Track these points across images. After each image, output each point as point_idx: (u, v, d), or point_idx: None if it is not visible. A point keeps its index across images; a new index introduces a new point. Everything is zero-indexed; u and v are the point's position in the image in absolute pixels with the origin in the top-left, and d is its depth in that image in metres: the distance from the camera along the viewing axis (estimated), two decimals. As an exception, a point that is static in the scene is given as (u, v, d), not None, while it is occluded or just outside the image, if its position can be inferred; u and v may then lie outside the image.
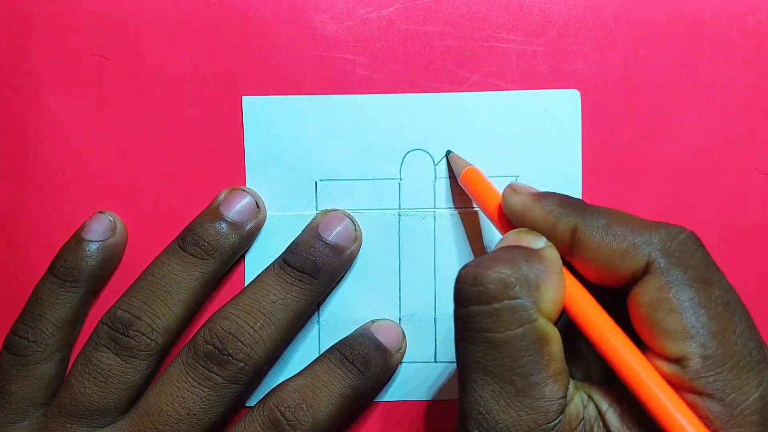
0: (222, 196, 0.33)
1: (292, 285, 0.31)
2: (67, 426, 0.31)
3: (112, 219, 0.33)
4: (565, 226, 0.25)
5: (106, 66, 0.34)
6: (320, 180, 0.34)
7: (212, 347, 0.30)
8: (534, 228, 0.26)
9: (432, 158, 0.34)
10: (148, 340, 0.31)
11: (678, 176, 0.34)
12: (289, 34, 0.34)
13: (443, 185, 0.34)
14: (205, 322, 0.31)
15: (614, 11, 0.34)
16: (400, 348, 0.33)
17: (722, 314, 0.23)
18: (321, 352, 0.33)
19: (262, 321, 0.30)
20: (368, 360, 0.31)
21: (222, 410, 0.30)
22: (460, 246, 0.34)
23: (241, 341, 0.30)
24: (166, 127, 0.34)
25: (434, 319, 0.34)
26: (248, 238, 0.33)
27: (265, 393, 0.32)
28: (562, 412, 0.23)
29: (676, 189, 0.34)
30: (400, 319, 0.34)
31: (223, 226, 0.32)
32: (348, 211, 0.34)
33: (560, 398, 0.23)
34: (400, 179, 0.34)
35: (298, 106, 0.34)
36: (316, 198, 0.34)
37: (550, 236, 0.25)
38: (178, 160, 0.34)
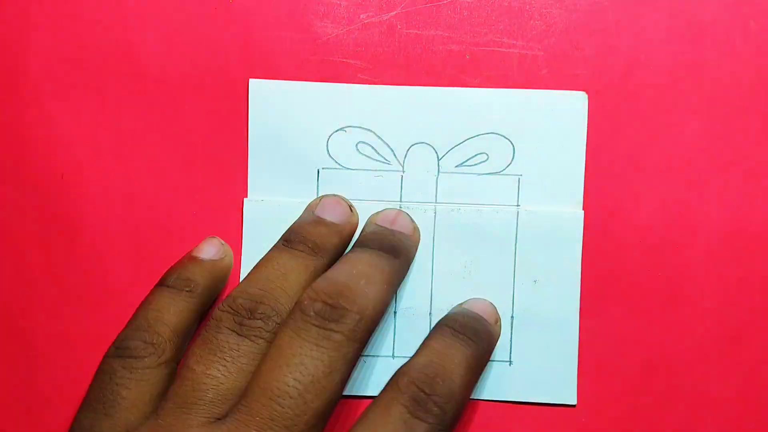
0: (315, 203, 0.34)
1: (380, 258, 0.31)
2: (184, 417, 0.28)
3: (222, 243, 0.34)
4: None
5: (106, 69, 0.34)
6: (323, 168, 0.34)
7: (323, 303, 0.29)
8: None
9: (436, 152, 0.34)
10: (273, 324, 0.29)
11: (681, 181, 0.34)
12: (289, 38, 0.34)
13: (446, 180, 0.34)
14: (305, 290, 0.30)
15: (616, 16, 0.34)
16: (497, 320, 0.33)
17: None
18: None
19: (365, 280, 0.30)
20: (476, 330, 0.31)
21: (345, 375, 0.28)
22: (459, 241, 0.34)
23: (352, 295, 0.29)
24: (166, 131, 0.34)
25: (429, 313, 0.34)
26: (347, 240, 0.33)
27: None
28: None
29: (679, 194, 0.34)
30: (395, 312, 0.34)
31: (323, 229, 0.32)
32: (351, 200, 0.34)
33: None
34: (403, 171, 0.34)
35: (304, 93, 0.34)
36: (318, 186, 0.34)
37: None
38: (177, 164, 0.34)
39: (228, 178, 0.34)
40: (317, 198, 0.34)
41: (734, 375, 0.34)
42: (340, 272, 0.30)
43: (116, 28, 0.34)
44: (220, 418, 0.28)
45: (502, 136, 0.34)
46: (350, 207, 0.34)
